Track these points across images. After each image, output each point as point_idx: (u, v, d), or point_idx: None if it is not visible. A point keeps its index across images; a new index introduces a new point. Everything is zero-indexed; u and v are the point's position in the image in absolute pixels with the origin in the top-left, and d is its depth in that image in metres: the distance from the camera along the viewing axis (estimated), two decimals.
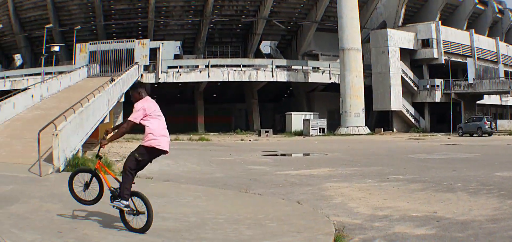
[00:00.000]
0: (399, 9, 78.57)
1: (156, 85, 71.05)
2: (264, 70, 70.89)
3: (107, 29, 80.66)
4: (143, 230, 9.45)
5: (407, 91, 73.91)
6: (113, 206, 9.76)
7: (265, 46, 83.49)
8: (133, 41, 71.76)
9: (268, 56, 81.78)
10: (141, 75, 67.82)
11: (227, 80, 70.35)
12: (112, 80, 45.43)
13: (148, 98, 10.53)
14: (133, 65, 65.02)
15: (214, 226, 10.09)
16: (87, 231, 9.49)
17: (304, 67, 72.45)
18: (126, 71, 58.69)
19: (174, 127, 65.51)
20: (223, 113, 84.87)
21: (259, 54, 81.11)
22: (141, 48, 70.10)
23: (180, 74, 69.86)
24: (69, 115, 23.63)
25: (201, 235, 9.43)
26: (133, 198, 9.73)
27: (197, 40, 79.68)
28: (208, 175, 20.78)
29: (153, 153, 9.95)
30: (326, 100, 76.37)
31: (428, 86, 74.58)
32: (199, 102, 76.52)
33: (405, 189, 15.89)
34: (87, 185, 10.21)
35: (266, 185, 17.43)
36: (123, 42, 72.42)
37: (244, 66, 71.16)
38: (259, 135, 62.69)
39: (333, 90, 71.89)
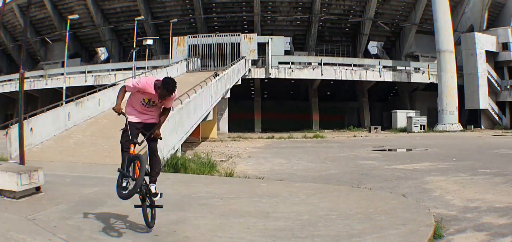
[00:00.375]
0: (483, 13, 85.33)
1: (266, 81, 74.67)
2: (373, 70, 77.40)
3: (208, 22, 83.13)
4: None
5: (491, 91, 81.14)
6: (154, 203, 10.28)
7: (372, 47, 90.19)
8: (238, 35, 74.35)
9: (375, 56, 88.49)
10: (249, 70, 70.19)
11: (339, 78, 75.02)
12: (216, 74, 45.99)
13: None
14: (239, 60, 66.91)
15: (327, 223, 10.63)
16: (189, 234, 9.86)
17: (406, 68, 79.79)
18: (231, 65, 59.95)
19: (287, 125, 68.85)
20: (336, 111, 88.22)
21: (367, 54, 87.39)
22: (247, 42, 72.73)
23: (292, 71, 73.40)
24: None
25: (314, 232, 9.97)
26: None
27: (307, 37, 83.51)
28: (323, 172, 22.23)
29: None
30: (426, 99, 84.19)
31: (508, 86, 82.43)
32: (313, 100, 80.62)
33: (491, 182, 18.29)
34: (127, 180, 10.14)
35: (376, 180, 19.71)
36: (227, 36, 74.79)
37: (354, 65, 77.07)
38: (369, 131, 70.56)
39: (432, 90, 79.38)
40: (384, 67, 77.93)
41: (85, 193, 14.40)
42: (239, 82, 62.42)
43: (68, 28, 67.23)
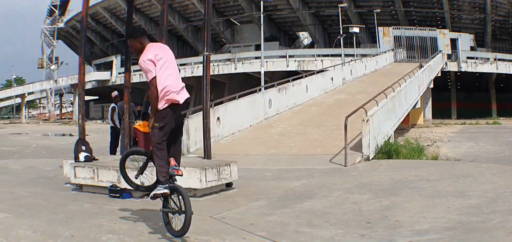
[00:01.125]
0: None
1: (458, 74, 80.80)
2: None
3: (408, 15, 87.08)
4: (180, 233, 8.56)
5: None
6: (151, 197, 8.80)
7: None
8: (435, 30, 79.94)
9: None
10: (446, 63, 74.71)
11: (509, 72, 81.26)
12: (421, 66, 48.40)
13: (153, 44, 9.11)
14: (437, 53, 70.67)
15: (504, 200, 11.70)
16: (399, 218, 9.98)
17: None
18: (432, 58, 63.43)
19: (473, 113, 75.23)
20: (509, 100, 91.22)
21: None
22: (442, 37, 79.00)
23: (476, 65, 79.71)
24: (380, 99, 24.16)
25: (495, 208, 10.82)
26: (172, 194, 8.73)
27: (484, 35, 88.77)
28: (500, 154, 26.59)
29: (175, 110, 8.85)
30: None
31: None
32: (492, 91, 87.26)
33: None
34: (141, 170, 9.32)
35: None
36: (425, 30, 79.81)
37: None
38: None
39: None
40: None
41: (290, 187, 14.13)
42: (439, 74, 66.32)
43: (262, 11, 67.50)
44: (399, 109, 28.95)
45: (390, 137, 23.85)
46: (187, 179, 12.14)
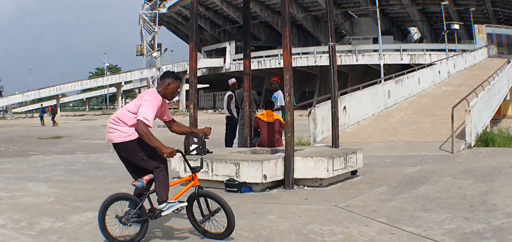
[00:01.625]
0: None
1: None
2: None
3: (496, 14, 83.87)
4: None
5: None
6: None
7: None
8: None
9: None
10: None
11: None
12: (509, 61, 46.96)
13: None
14: None
15: None
16: (495, 202, 9.53)
17: None
18: None
19: None
20: None
21: None
22: None
23: None
24: (478, 92, 22.97)
25: None
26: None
27: None
28: None
29: None
30: None
31: None
32: None
33: None
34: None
35: None
36: (510, 28, 77.31)
37: None
38: None
39: None
40: None
41: (407, 173, 13.46)
42: None
43: (377, 5, 65.26)
44: (494, 100, 27.77)
45: (486, 126, 23.01)
46: (313, 169, 11.52)
